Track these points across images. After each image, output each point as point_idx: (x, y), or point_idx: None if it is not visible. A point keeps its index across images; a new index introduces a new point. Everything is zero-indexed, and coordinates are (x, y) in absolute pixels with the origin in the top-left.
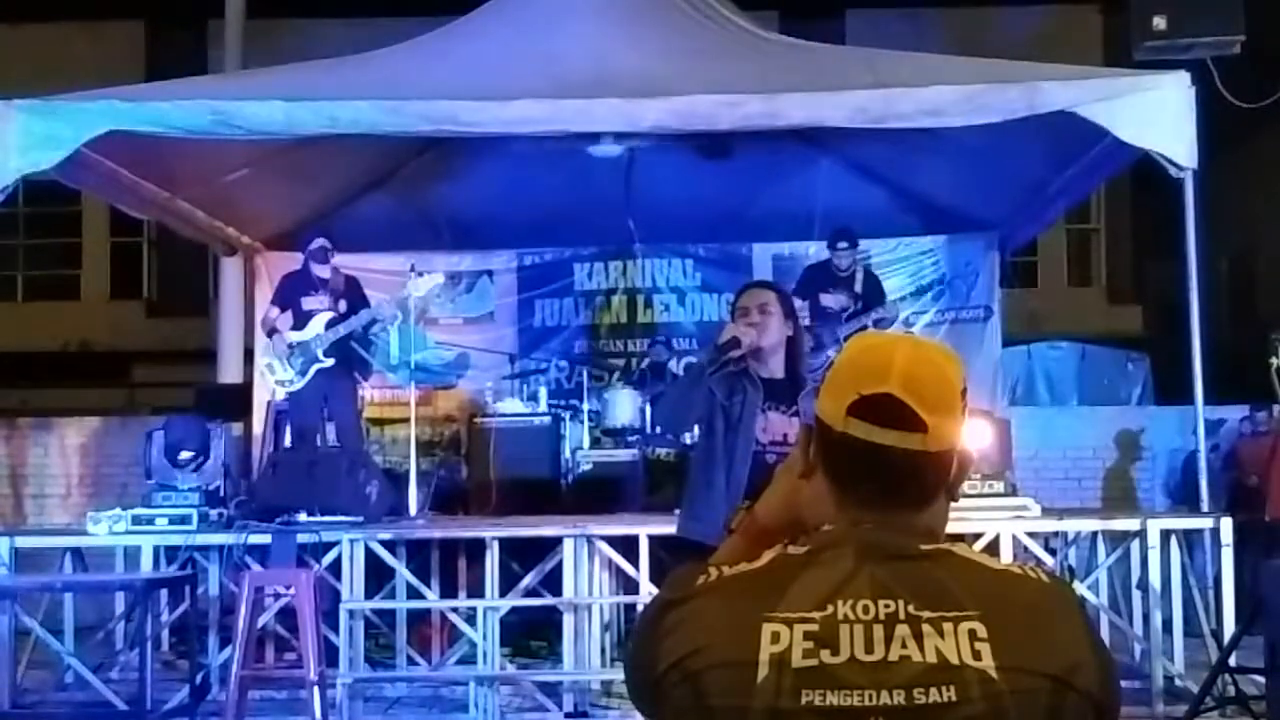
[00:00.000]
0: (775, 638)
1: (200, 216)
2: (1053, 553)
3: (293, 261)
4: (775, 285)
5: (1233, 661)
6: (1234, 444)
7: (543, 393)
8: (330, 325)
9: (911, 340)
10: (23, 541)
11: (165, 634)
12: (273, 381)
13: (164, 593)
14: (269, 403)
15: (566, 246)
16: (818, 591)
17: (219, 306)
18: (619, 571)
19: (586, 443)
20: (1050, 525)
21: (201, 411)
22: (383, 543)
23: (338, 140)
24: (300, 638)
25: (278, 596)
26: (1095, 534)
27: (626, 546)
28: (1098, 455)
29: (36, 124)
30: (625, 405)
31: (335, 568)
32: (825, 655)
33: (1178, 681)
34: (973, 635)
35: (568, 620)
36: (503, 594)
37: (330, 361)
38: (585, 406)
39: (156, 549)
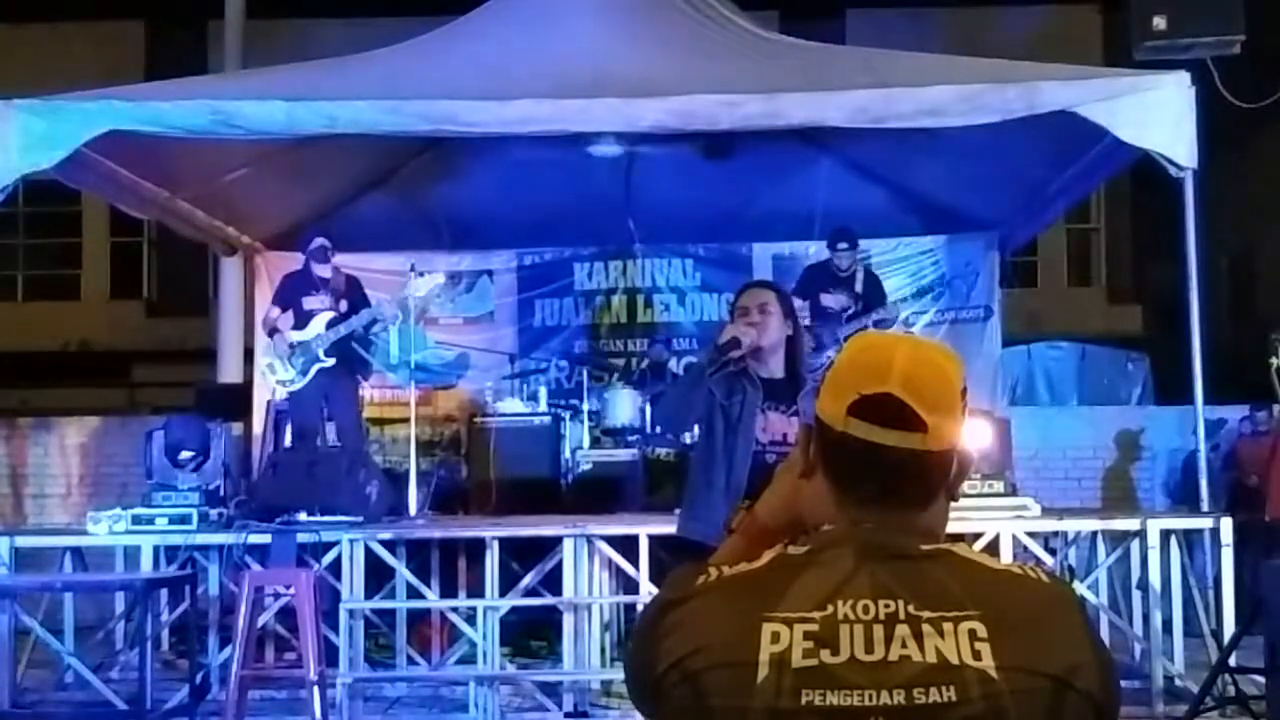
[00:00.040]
0: (775, 638)
1: (200, 216)
2: (1053, 553)
3: (292, 261)
4: (775, 285)
5: (1233, 661)
6: (1234, 444)
7: (543, 392)
8: (331, 325)
9: (911, 340)
10: (23, 541)
11: (165, 634)
12: (274, 381)
13: (164, 592)
14: (269, 402)
15: (566, 246)
16: (818, 591)
17: (219, 306)
18: (619, 571)
19: (586, 443)
20: (1050, 525)
21: (201, 411)
22: (383, 542)
23: (338, 140)
24: (300, 637)
25: (278, 596)
26: (1095, 534)
27: (626, 546)
28: (1098, 455)
29: (36, 124)
30: (625, 405)
31: (335, 568)
32: (825, 655)
33: (1178, 681)
34: (973, 635)
35: (568, 620)
36: (503, 594)
37: (331, 361)
38: (585, 406)
39: (156, 549)
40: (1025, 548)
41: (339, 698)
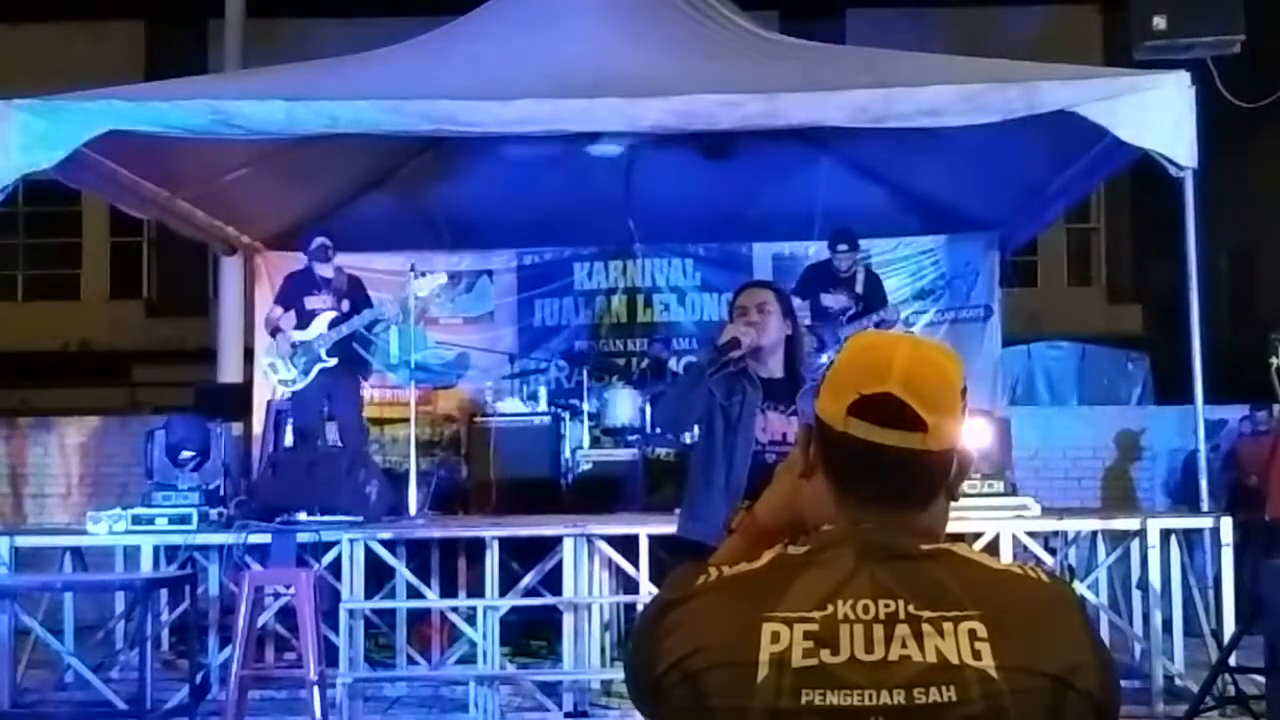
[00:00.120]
0: (775, 637)
1: (200, 216)
2: (1053, 552)
3: (292, 261)
4: (774, 284)
5: (1233, 661)
6: (1234, 444)
7: (543, 392)
8: (333, 324)
9: (912, 340)
10: (23, 541)
11: (165, 634)
12: (276, 381)
13: (164, 592)
14: (269, 402)
15: (566, 246)
16: (818, 591)
17: (219, 306)
18: (619, 571)
19: (586, 442)
20: (1050, 525)
21: (201, 411)
22: (383, 542)
23: (338, 140)
24: (300, 637)
25: (278, 596)
26: (1095, 534)
27: (626, 546)
28: (1098, 455)
29: (36, 124)
30: (625, 405)
31: (335, 567)
32: (825, 655)
33: (1178, 681)
34: (973, 635)
35: (567, 620)
36: (503, 593)
37: (333, 361)
38: (585, 406)
39: (156, 549)
40: (1025, 548)
41: (339, 698)
